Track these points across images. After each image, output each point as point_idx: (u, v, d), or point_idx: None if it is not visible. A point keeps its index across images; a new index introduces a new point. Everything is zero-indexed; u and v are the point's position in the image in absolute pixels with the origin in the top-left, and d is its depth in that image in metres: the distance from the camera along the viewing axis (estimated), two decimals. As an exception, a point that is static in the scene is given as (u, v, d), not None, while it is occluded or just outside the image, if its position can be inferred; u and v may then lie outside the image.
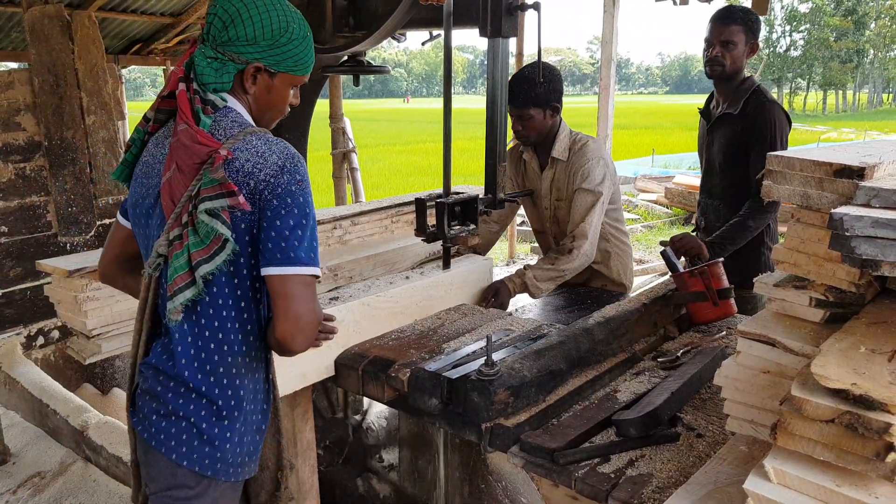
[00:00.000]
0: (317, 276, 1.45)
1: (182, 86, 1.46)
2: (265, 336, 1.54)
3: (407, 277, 2.40)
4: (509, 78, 2.51)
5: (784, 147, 2.70)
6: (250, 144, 1.44)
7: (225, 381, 1.49)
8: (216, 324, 1.46)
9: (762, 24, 2.81)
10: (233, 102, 1.52)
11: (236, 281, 1.46)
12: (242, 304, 1.48)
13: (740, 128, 2.78)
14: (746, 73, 2.87)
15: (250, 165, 1.41)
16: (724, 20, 2.75)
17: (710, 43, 2.80)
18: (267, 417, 1.63)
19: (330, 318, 1.63)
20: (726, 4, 2.88)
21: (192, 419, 1.48)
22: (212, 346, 1.47)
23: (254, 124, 1.53)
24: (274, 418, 1.67)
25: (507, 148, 2.60)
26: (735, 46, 2.74)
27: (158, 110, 1.54)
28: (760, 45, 2.88)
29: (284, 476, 1.73)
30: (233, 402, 1.50)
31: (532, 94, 2.68)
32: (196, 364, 1.47)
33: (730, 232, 2.73)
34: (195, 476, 1.50)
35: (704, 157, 3.06)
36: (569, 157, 2.79)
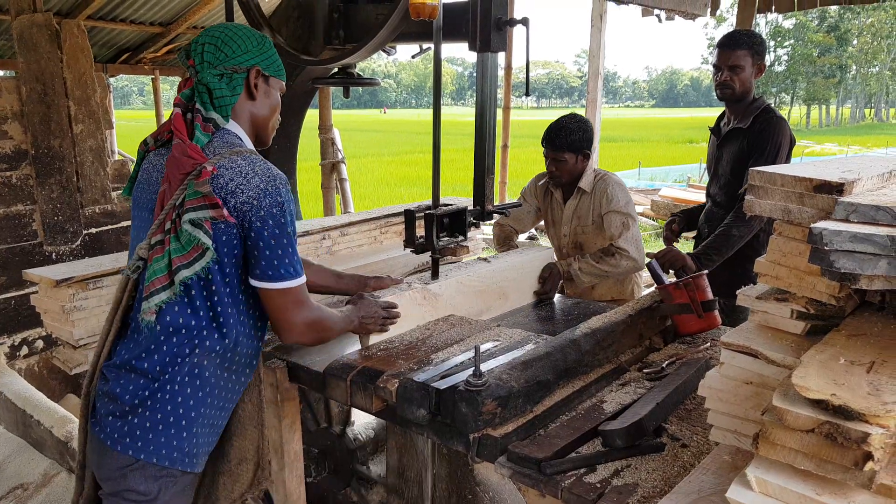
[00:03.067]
0: (301, 284, 1.64)
1: (177, 110, 1.60)
2: (237, 338, 1.66)
3: (487, 261, 2.72)
4: (548, 126, 3.02)
5: (781, 162, 2.76)
6: (235, 164, 1.56)
7: (187, 379, 1.60)
8: (183, 321, 1.57)
9: (766, 47, 2.90)
10: (233, 126, 1.67)
11: (212, 287, 1.58)
12: (211, 309, 1.60)
13: (747, 141, 2.88)
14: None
15: (233, 185, 1.54)
16: (730, 46, 2.86)
17: (718, 68, 2.92)
18: (226, 416, 1.76)
19: (393, 306, 2.06)
20: (732, 30, 2.97)
21: (158, 413, 1.58)
22: (180, 344, 1.58)
23: (249, 146, 1.68)
24: (258, 413, 1.82)
25: (538, 181, 3.22)
26: (742, 70, 2.85)
27: (157, 139, 1.70)
28: (766, 63, 2.97)
29: (264, 464, 1.87)
30: (197, 397, 1.62)
31: (568, 140, 2.99)
32: (165, 360, 1.58)
33: (715, 243, 2.82)
34: (154, 469, 1.59)
35: (712, 170, 3.17)
36: (593, 189, 3.08)
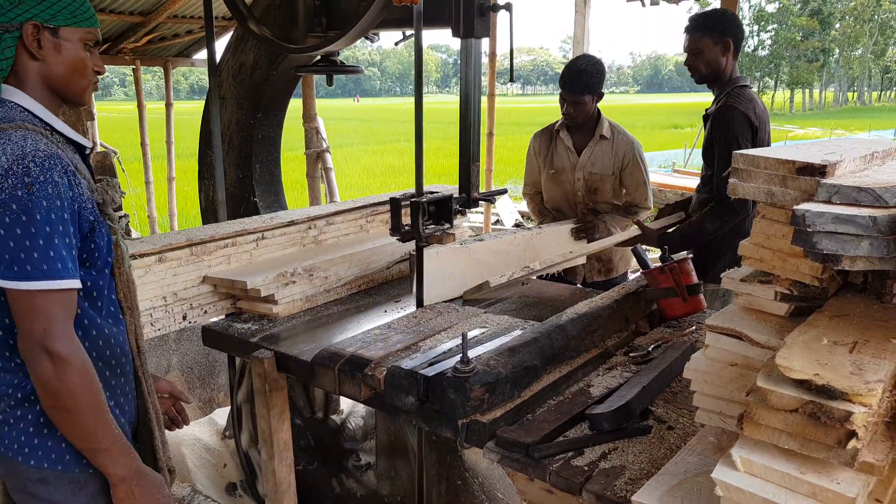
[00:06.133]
0: (58, 290, 1.34)
1: None
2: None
3: (514, 231, 2.93)
4: (565, 67, 3.14)
5: (736, 148, 2.71)
6: None
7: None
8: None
9: (732, 20, 2.83)
10: (13, 93, 1.44)
11: None
12: None
13: (709, 127, 2.87)
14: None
15: None
16: (688, 29, 2.86)
17: (685, 53, 2.90)
18: (122, 412, 1.55)
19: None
20: (693, 13, 2.93)
21: (30, 414, 1.43)
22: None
23: (44, 114, 1.45)
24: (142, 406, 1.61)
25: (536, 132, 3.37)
26: (703, 53, 2.81)
27: None
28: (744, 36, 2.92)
29: (170, 467, 1.66)
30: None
31: (589, 83, 3.08)
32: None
33: (685, 231, 2.88)
34: (51, 474, 1.44)
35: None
36: (613, 137, 3.22)
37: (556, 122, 3.35)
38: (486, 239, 2.68)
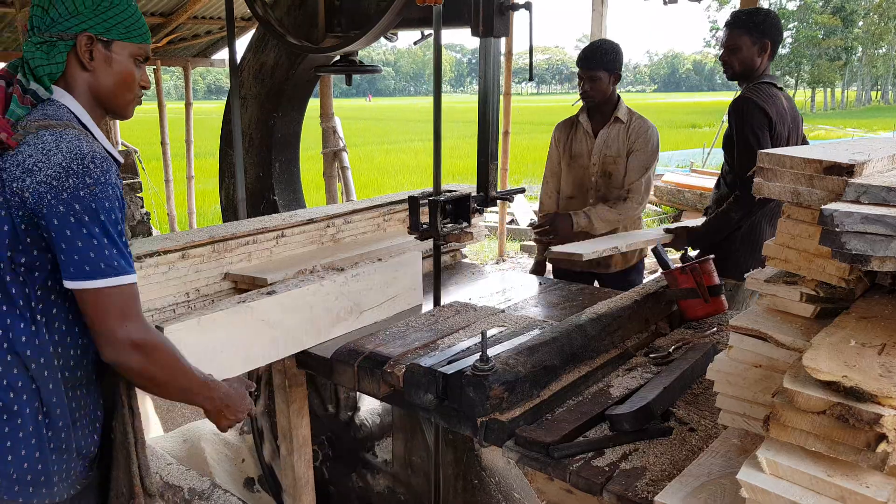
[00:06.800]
0: (127, 285, 1.38)
1: (1, 82, 1.42)
2: (62, 351, 1.43)
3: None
4: (585, 46, 3.24)
5: (750, 144, 2.70)
6: (41, 139, 1.35)
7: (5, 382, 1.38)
8: None
9: (774, 22, 2.82)
10: (61, 94, 1.46)
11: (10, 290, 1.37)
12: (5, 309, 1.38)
13: (728, 120, 2.88)
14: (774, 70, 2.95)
15: (31, 162, 1.33)
16: (728, 25, 2.87)
17: (721, 48, 2.92)
18: (84, 437, 1.50)
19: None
20: (736, 10, 2.95)
21: None
22: None
23: (87, 121, 1.47)
24: (124, 438, 1.56)
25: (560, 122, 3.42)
26: (740, 50, 2.82)
27: None
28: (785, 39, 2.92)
29: (136, 494, 1.59)
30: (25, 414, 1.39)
31: (604, 59, 3.15)
32: None
33: (711, 222, 2.89)
34: None
35: None
36: (629, 121, 3.26)
37: (579, 111, 3.42)
38: (280, 291, 2.06)
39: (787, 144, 2.79)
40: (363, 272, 2.29)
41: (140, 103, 1.61)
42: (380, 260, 2.42)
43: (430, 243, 2.67)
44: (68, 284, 1.35)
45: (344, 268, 2.30)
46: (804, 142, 2.99)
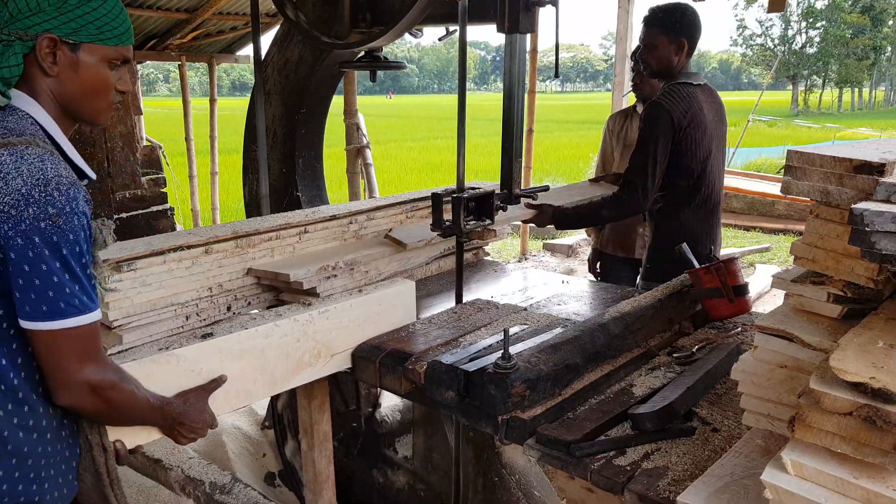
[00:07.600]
0: (88, 325, 1.25)
1: None
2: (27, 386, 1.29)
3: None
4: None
5: (640, 147, 2.63)
6: None
7: None
8: None
9: (691, 21, 2.70)
10: (26, 102, 1.30)
11: None
12: None
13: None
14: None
15: None
16: (646, 23, 2.76)
17: (640, 44, 2.86)
18: (48, 490, 1.33)
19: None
20: (653, 7, 2.79)
21: None
22: None
23: (55, 131, 1.33)
24: (97, 485, 1.41)
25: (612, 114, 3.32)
26: (656, 49, 2.72)
27: None
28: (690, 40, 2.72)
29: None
30: None
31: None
32: None
33: (582, 210, 2.81)
34: None
35: None
36: None
37: (636, 101, 3.33)
38: (218, 335, 1.82)
39: (703, 143, 2.68)
40: (334, 309, 2.02)
41: (118, 108, 1.51)
42: (360, 291, 2.22)
43: (437, 249, 2.68)
44: (24, 325, 1.22)
45: (311, 303, 2.08)
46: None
